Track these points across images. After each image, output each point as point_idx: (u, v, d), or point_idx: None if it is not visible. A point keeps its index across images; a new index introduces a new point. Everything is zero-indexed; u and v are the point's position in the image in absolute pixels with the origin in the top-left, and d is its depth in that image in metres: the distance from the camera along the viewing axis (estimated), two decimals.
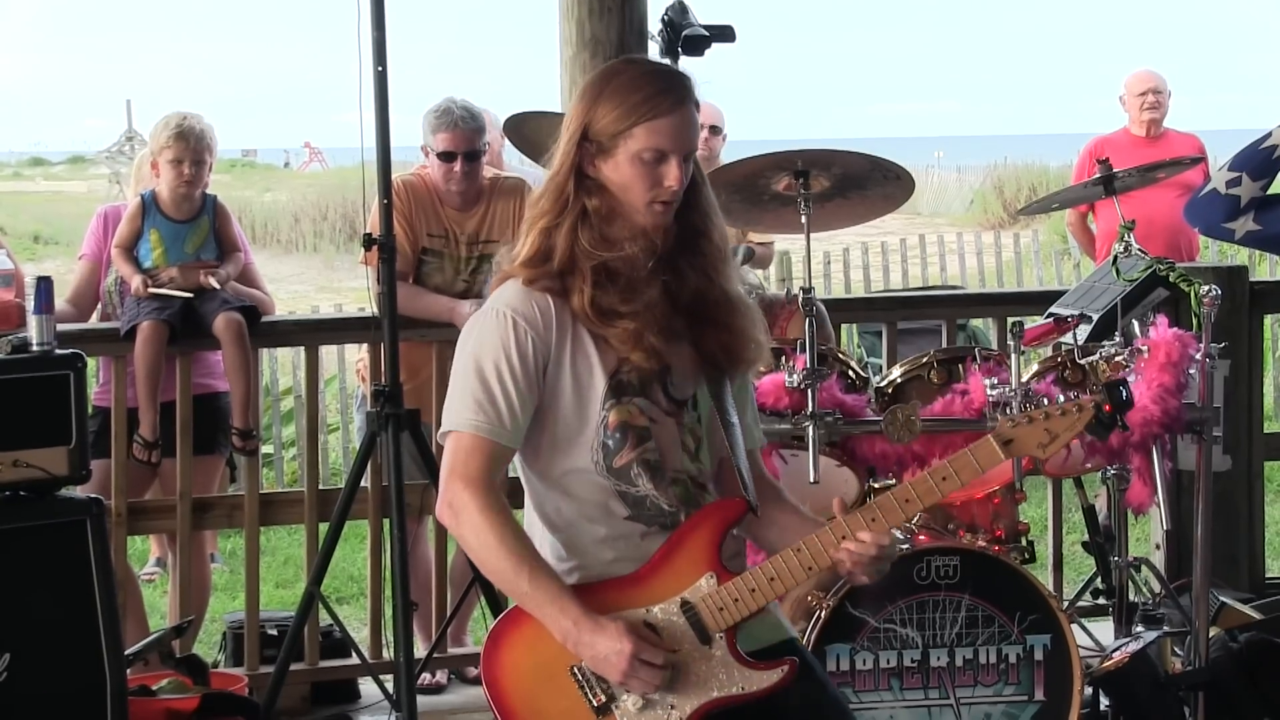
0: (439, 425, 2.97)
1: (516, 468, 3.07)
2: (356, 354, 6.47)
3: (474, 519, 2.86)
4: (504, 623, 2.94)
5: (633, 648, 2.81)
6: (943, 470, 2.94)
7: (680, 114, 2.94)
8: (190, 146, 5.21)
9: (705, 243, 3.02)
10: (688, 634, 2.89)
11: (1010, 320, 4.62)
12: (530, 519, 3.03)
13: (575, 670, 2.87)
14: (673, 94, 2.95)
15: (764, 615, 3.00)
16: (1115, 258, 4.80)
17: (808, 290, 4.34)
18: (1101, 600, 5.12)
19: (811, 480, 4.17)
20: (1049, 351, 4.91)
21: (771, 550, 3.00)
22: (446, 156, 5.29)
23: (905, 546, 4.20)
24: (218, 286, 5.14)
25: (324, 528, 4.97)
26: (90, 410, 4.83)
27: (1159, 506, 4.71)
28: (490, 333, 2.92)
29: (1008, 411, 4.31)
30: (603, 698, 2.86)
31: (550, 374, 2.92)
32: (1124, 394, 2.96)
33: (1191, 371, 4.50)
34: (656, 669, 2.82)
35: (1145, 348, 4.47)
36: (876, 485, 4.65)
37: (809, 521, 3.04)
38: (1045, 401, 2.95)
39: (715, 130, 6.62)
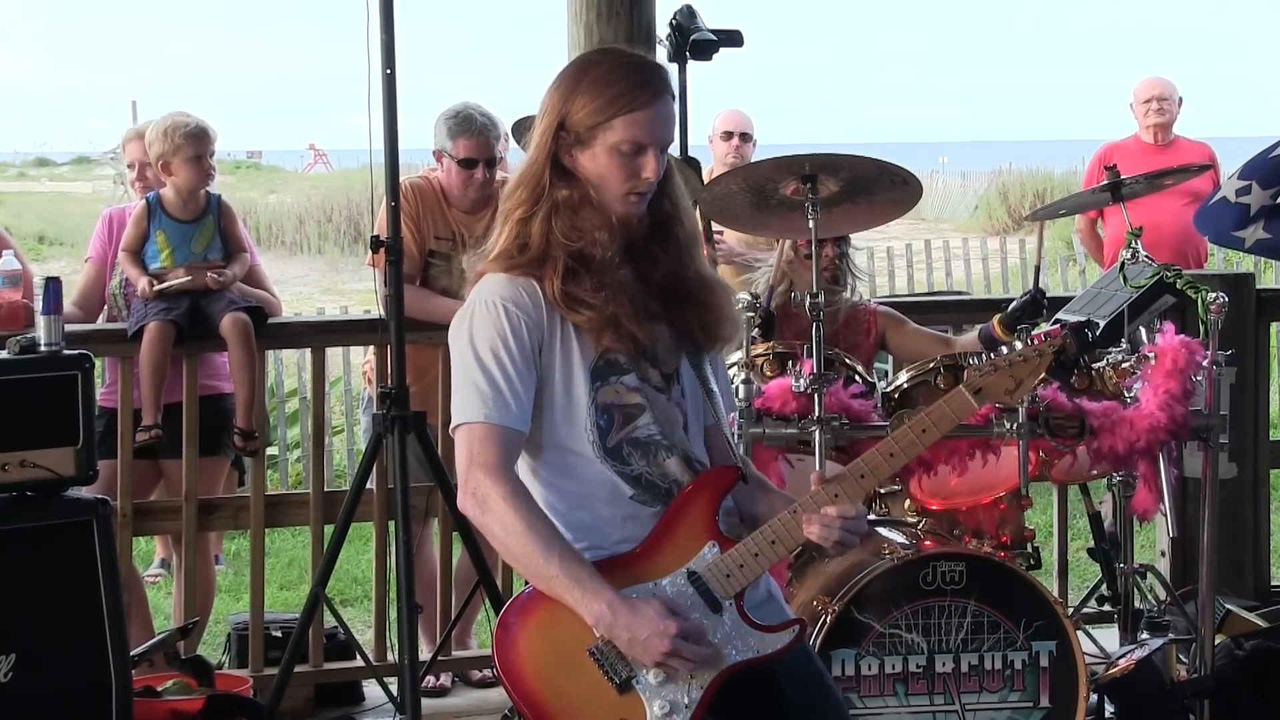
0: (445, 427, 2.97)
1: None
2: (362, 356, 6.47)
3: (499, 506, 2.85)
4: (513, 611, 2.92)
5: (677, 627, 2.81)
6: (921, 423, 2.99)
7: (658, 106, 2.95)
8: (207, 142, 5.26)
9: (677, 228, 3.05)
10: (698, 604, 2.89)
11: (1018, 326, 4.60)
12: None
13: (593, 651, 2.86)
14: (651, 86, 2.96)
15: (769, 601, 3.04)
16: (1122, 264, 4.79)
17: (815, 296, 4.34)
18: (1107, 607, 5.11)
19: None
20: None
21: (760, 523, 3.01)
22: (468, 164, 5.30)
23: (910, 552, 4.20)
24: (231, 280, 5.16)
25: (329, 529, 4.97)
26: (96, 411, 4.83)
27: (1165, 513, 4.70)
28: (482, 323, 2.93)
29: (1015, 417, 4.32)
30: (624, 675, 2.86)
31: (545, 354, 2.94)
32: (1089, 335, 3.03)
33: (1198, 378, 4.49)
34: (700, 645, 2.84)
35: (1152, 354, 4.46)
36: (882, 491, 4.66)
37: (786, 498, 3.06)
38: (1005, 351, 3.08)
39: (746, 138, 6.85)
